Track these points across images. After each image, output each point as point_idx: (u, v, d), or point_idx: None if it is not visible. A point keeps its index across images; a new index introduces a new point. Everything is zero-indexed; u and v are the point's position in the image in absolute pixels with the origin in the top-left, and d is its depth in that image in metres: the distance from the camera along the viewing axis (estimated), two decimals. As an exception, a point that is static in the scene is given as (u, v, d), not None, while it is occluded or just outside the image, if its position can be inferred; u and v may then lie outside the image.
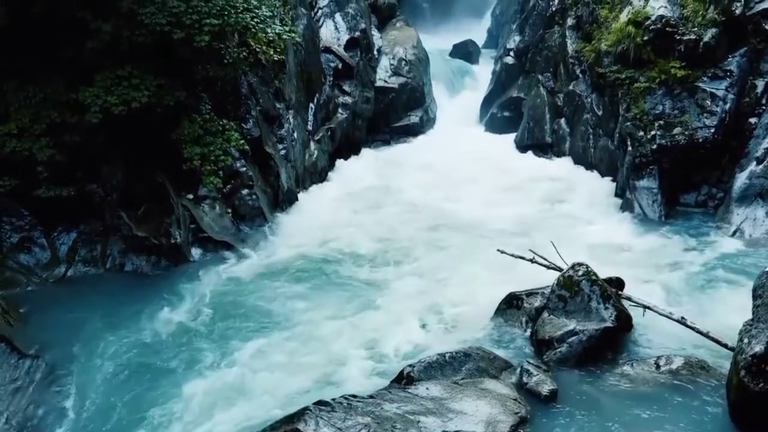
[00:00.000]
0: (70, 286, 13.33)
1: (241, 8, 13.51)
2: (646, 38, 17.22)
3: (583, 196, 18.37)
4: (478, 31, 33.35)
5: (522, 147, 22.72)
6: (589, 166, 20.05)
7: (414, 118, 24.73)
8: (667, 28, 16.99)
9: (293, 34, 14.87)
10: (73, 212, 13.81)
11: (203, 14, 12.88)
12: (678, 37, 16.94)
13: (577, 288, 11.15)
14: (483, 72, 28.27)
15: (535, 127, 22.52)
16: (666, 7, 17.22)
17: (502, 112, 24.82)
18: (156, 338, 11.82)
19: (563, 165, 20.71)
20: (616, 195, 18.21)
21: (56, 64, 13.26)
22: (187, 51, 13.43)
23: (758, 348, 8.38)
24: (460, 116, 25.92)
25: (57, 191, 13.22)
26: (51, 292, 13.10)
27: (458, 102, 27.02)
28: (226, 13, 13.16)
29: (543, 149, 22.14)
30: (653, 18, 17.14)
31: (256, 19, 13.62)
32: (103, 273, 13.82)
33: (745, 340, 8.68)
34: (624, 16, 17.88)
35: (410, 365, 9.96)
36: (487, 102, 25.78)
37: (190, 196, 15.34)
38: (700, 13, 16.86)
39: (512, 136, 23.55)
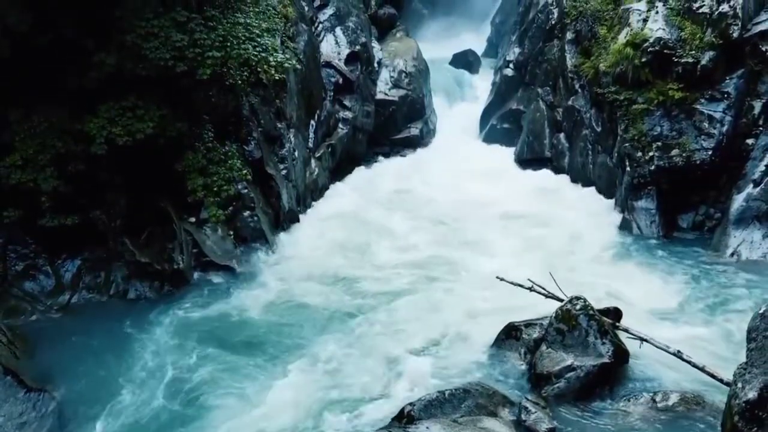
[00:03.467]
0: (74, 314, 13.46)
1: (243, 38, 13.64)
2: (644, 60, 17.38)
3: (582, 215, 18.49)
4: (478, 38, 33.41)
5: (521, 161, 22.85)
6: (587, 183, 20.22)
7: (414, 130, 24.78)
8: (665, 51, 17.16)
9: (294, 62, 14.97)
10: (77, 239, 13.93)
11: (206, 47, 13.00)
12: (676, 60, 17.09)
13: (575, 322, 11.32)
14: (483, 82, 28.31)
15: (535, 141, 22.64)
16: (664, 29, 17.36)
17: (501, 123, 24.90)
18: (159, 370, 11.93)
19: (562, 181, 20.86)
20: (615, 214, 18.36)
21: (60, 93, 13.37)
22: (190, 81, 13.52)
23: (752, 394, 8.49)
24: (460, 127, 25.96)
25: (62, 220, 13.35)
26: (56, 320, 13.27)
27: (458, 112, 27.06)
28: (228, 44, 13.30)
29: (542, 164, 22.25)
30: (651, 40, 17.30)
31: (258, 48, 13.73)
32: (106, 300, 13.97)
33: (739, 385, 8.79)
34: (622, 38, 18.02)
35: (410, 403, 10.11)
36: (486, 113, 25.81)
37: (193, 219, 15.46)
38: (698, 36, 16.99)
39: (511, 148, 23.67)
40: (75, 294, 13.88)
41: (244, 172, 15.00)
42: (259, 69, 16.12)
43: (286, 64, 14.28)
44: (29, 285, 13.70)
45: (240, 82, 15.20)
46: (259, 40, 13.94)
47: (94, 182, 13.91)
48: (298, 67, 15.96)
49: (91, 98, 13.32)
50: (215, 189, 14.05)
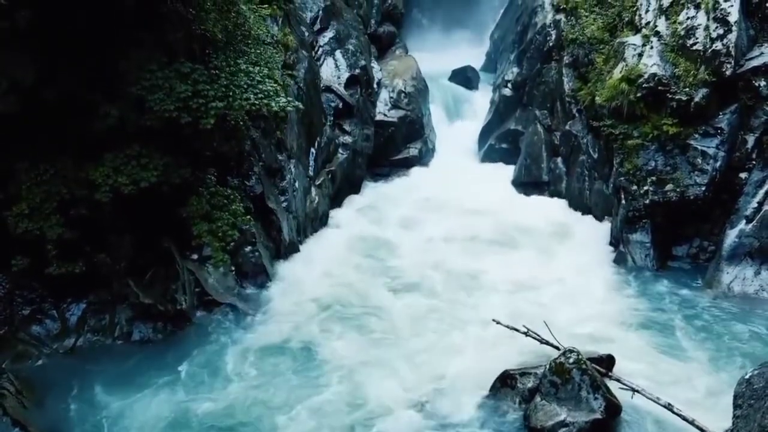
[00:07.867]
0: (80, 358, 13.72)
1: (245, 86, 13.85)
2: (639, 95, 17.62)
3: (577, 246, 18.74)
4: (477, 51, 33.37)
5: (519, 184, 23.02)
6: (584, 209, 20.46)
7: (413, 150, 24.82)
8: (660, 87, 17.39)
9: (296, 103, 15.20)
10: (82, 283, 14.14)
11: (209, 98, 13.23)
12: (670, 96, 17.33)
13: (568, 376, 11.64)
14: (482, 99, 28.23)
15: (533, 164, 22.81)
16: (658, 65, 17.59)
17: (499, 143, 24.97)
18: (164, 416, 12.24)
19: (559, 208, 21.06)
20: (610, 243, 18.65)
21: (66, 142, 13.60)
22: (193, 130, 13.74)
23: (736, 466, 8.82)
24: (459, 146, 25.92)
25: (68, 268, 13.57)
26: (62, 365, 13.49)
27: (457, 130, 26.89)
28: (230, 94, 13.52)
29: (540, 188, 22.49)
30: (646, 76, 17.53)
31: (260, 96, 13.94)
32: (111, 343, 14.21)
33: (725, 454, 9.13)
34: (618, 72, 18.25)
35: (406, 463, 10.44)
36: (485, 132, 25.82)
37: (195, 257, 15.74)
38: (692, 72, 17.21)
39: (509, 168, 23.80)
40: (80, 337, 14.13)
41: (247, 217, 15.18)
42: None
43: (288, 108, 14.51)
44: (36, 329, 13.96)
45: (242, 123, 15.45)
46: (260, 86, 14.12)
47: (97, 226, 14.14)
48: (302, 107, 16.15)
49: (96, 147, 13.54)
50: (220, 234, 14.25)
